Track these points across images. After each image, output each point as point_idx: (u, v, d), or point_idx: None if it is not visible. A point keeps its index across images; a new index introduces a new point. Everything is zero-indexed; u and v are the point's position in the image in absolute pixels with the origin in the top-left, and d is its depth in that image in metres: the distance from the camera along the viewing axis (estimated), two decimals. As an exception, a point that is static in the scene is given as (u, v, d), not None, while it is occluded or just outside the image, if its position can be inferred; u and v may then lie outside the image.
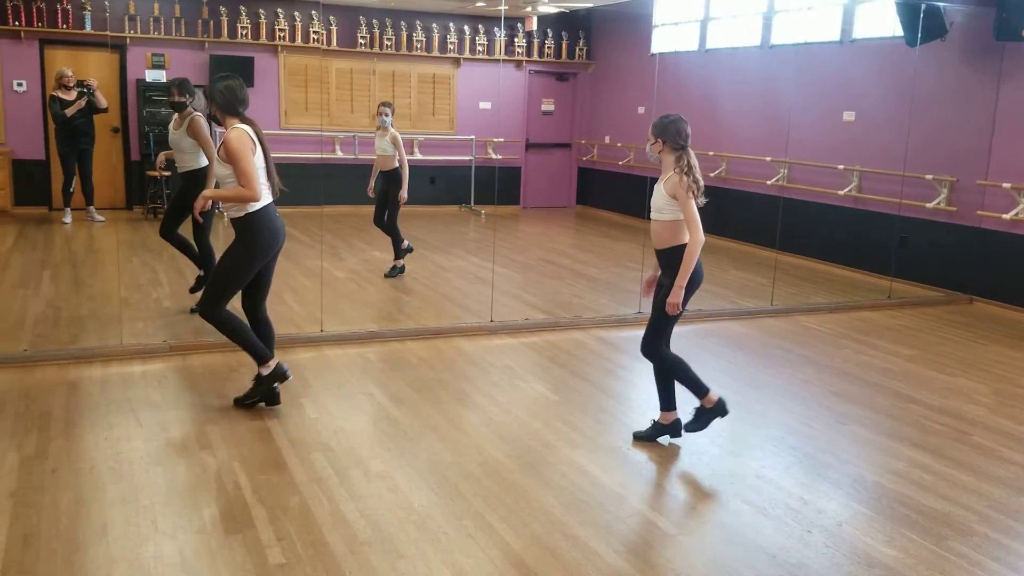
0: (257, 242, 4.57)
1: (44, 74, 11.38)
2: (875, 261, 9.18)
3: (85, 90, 10.55)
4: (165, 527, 3.52)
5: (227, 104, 4.56)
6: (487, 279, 8.26)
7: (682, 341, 6.60)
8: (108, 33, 11.54)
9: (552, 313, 7.29)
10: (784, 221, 9.15)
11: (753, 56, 10.91)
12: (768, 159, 10.45)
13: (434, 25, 13.43)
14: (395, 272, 8.47)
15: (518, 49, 13.94)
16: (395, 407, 5.02)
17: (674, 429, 4.57)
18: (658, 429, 4.59)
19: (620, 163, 13.39)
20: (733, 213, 11.23)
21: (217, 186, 4.69)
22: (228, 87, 4.56)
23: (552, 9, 13.25)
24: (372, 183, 8.59)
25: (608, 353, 6.31)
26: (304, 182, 11.79)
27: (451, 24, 13.50)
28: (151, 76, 11.82)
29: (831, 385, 5.70)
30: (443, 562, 3.35)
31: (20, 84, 11.39)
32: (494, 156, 13.78)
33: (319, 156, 12.35)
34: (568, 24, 14.13)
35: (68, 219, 10.80)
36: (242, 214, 4.52)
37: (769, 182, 10.47)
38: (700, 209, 4.31)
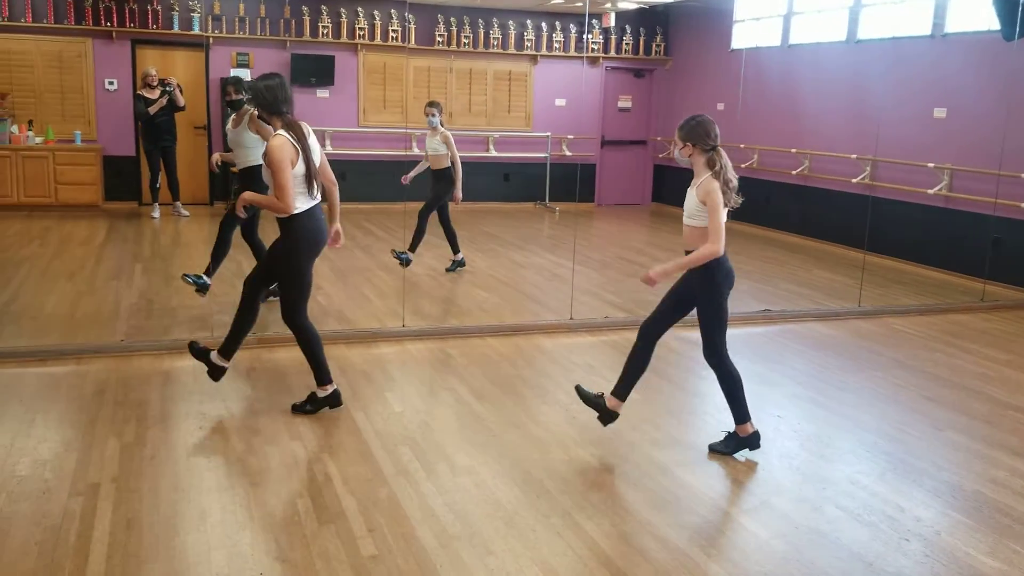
0: (300, 242, 4.54)
1: (135, 73, 11.75)
2: (967, 262, 8.89)
3: (166, 88, 10.86)
4: (260, 515, 3.59)
5: (271, 104, 4.48)
6: (564, 276, 8.24)
7: (768, 342, 6.53)
8: (196, 32, 11.85)
9: (632, 311, 7.23)
10: (871, 220, 8.92)
11: (839, 51, 10.66)
12: (854, 156, 10.20)
13: (511, 22, 13.45)
14: (454, 266, 8.53)
15: (594, 46, 13.87)
16: (478, 403, 5.04)
17: (752, 441, 4.41)
18: (737, 442, 4.42)
19: (698, 161, 13.19)
20: (816, 211, 11.03)
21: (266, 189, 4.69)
22: (269, 87, 4.47)
23: (631, 5, 13.16)
24: (411, 175, 8.55)
25: (690, 352, 6.23)
26: (382, 179, 12.00)
27: (528, 21, 13.50)
28: (235, 75, 12.07)
29: (924, 389, 5.54)
30: (532, 559, 3.35)
31: (112, 83, 11.77)
32: (568, 153, 13.75)
33: (397, 153, 12.48)
34: (646, 20, 14.01)
35: (156, 214, 11.13)
36: (286, 215, 4.49)
37: (854, 180, 10.22)
38: (732, 211, 4.20)
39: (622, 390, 4.48)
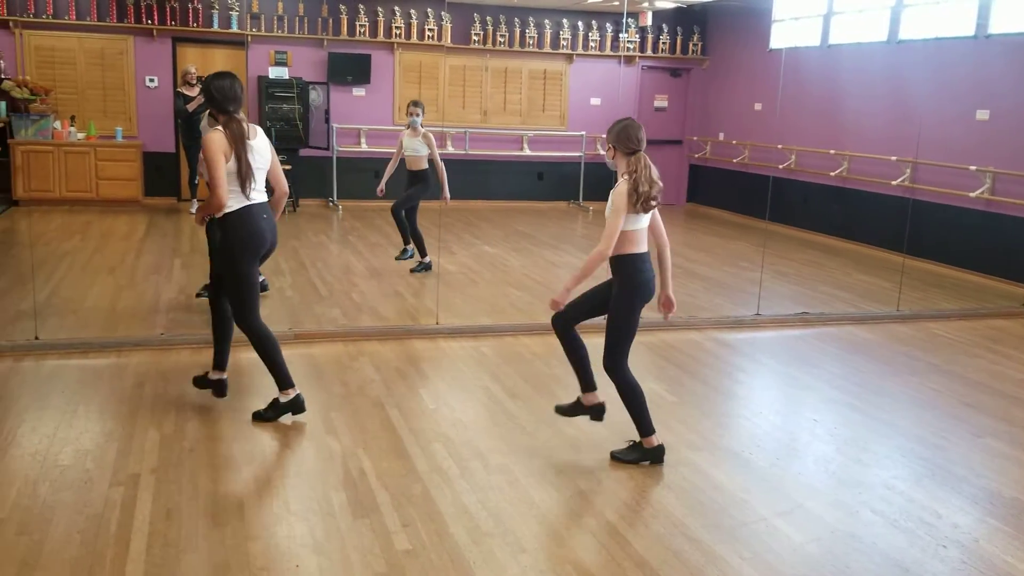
0: (235, 240, 4.45)
1: (175, 70, 11.90)
2: (1008, 267, 8.76)
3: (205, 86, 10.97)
4: (297, 508, 3.63)
5: (219, 103, 4.46)
6: (598, 275, 8.19)
7: (804, 345, 6.48)
8: (235, 31, 11.98)
9: (666, 312, 7.19)
10: (911, 223, 8.81)
11: (879, 51, 10.54)
12: (893, 159, 10.08)
13: (547, 21, 13.44)
14: (420, 268, 8.24)
15: (629, 45, 13.82)
16: (511, 401, 5.05)
17: (657, 454, 4.24)
18: (641, 453, 4.27)
19: (734, 160, 13.14)
20: (855, 214, 10.92)
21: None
22: (220, 87, 4.47)
23: (668, 4, 13.11)
24: (383, 183, 8.25)
25: (726, 355, 6.20)
26: (417, 177, 12.02)
27: (564, 20, 13.50)
28: (273, 73, 12.20)
29: (963, 395, 5.46)
30: (565, 558, 3.35)
31: (152, 80, 11.94)
32: (603, 152, 13.71)
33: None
34: (683, 19, 13.95)
35: (195, 209, 11.26)
36: (220, 214, 4.43)
37: (894, 182, 10.10)
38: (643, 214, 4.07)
39: (585, 382, 4.43)
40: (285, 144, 11.92)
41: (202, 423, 4.50)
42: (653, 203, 4.09)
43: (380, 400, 4.95)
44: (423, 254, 8.30)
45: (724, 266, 9.42)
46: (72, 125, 11.36)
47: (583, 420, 4.78)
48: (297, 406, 4.63)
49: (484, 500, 3.80)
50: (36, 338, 5.62)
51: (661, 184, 4.14)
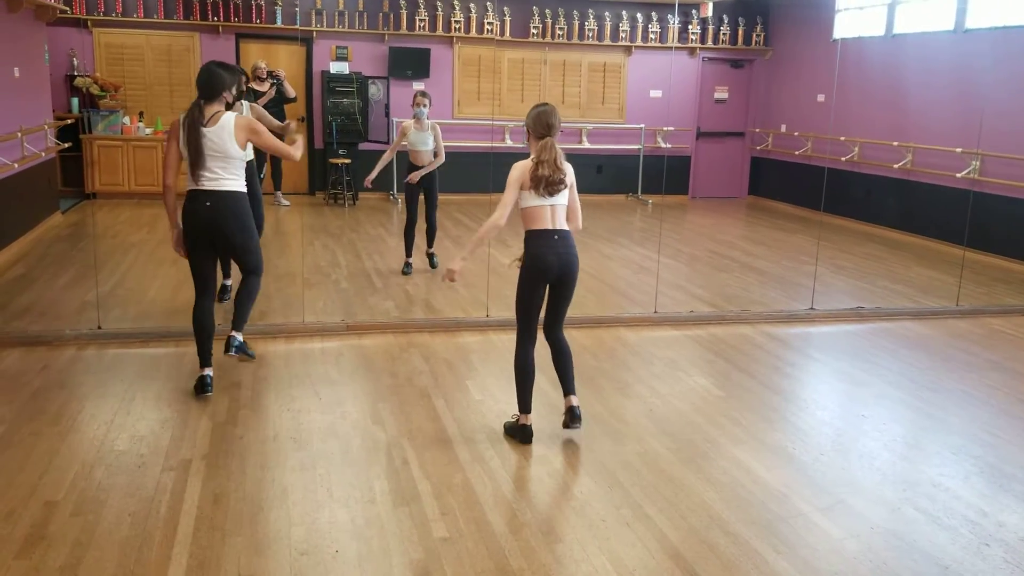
0: (183, 222, 4.85)
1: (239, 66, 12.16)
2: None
3: (275, 80, 11.19)
4: (339, 495, 3.73)
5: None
6: (651, 269, 8.20)
7: (859, 340, 6.37)
8: (298, 27, 12.20)
9: (718, 306, 7.15)
10: (976, 216, 8.58)
11: (946, 41, 10.26)
12: (959, 150, 9.82)
13: (606, 13, 13.39)
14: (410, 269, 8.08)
15: (692, 36, 13.69)
16: (555, 393, 5.05)
17: (522, 433, 4.39)
18: (511, 428, 4.48)
19: (797, 152, 12.94)
20: (918, 206, 10.68)
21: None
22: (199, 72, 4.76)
23: (728, -5, 12.94)
24: (375, 174, 7.84)
25: (776, 349, 6.14)
26: (474, 170, 12.13)
27: (623, 12, 13.42)
28: (335, 68, 12.39)
29: (1020, 393, 5.32)
30: (600, 549, 3.38)
31: (218, 76, 12.20)
32: (663, 145, 13.63)
33: (489, 145, 12.58)
34: (745, 9, 13.76)
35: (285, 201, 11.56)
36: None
37: (959, 175, 9.84)
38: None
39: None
40: (346, 138, 12.14)
41: (254, 411, 4.64)
42: (560, 187, 4.29)
43: (427, 391, 5.04)
44: (410, 253, 8.15)
45: (782, 260, 9.30)
46: (140, 120, 11.71)
47: (629, 413, 4.81)
48: (198, 383, 4.87)
49: (523, 490, 3.85)
50: (99, 328, 5.84)
51: (567, 170, 4.33)
